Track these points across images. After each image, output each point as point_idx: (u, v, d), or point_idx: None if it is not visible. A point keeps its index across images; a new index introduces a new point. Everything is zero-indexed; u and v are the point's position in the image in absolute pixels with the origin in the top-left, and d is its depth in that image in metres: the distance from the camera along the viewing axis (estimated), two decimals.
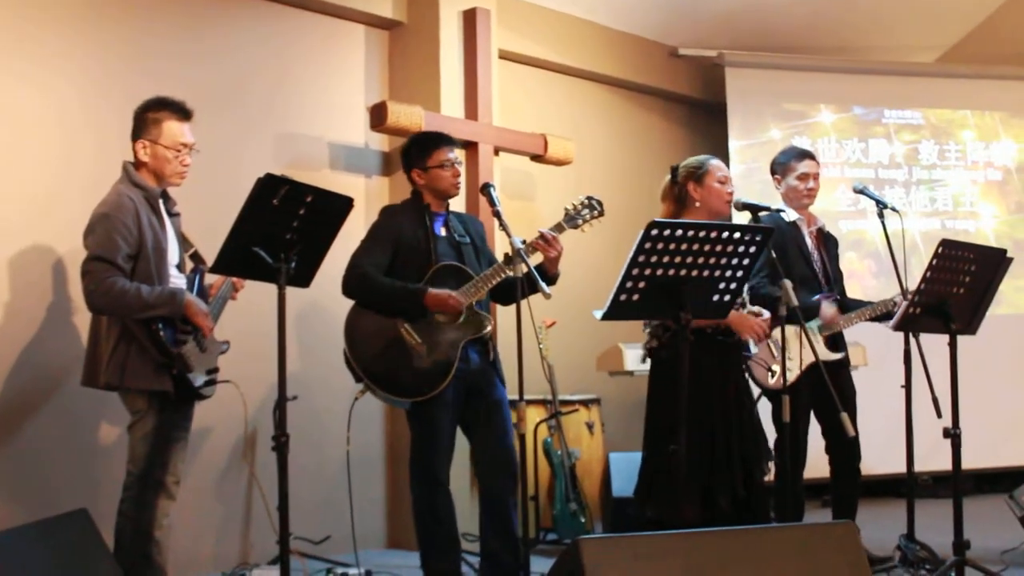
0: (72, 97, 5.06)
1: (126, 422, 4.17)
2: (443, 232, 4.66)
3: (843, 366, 5.19)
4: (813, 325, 5.07)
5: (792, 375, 4.88)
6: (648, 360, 4.36)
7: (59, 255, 4.88)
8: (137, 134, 4.18)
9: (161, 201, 4.20)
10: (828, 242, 5.38)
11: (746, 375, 4.55)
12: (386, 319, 4.49)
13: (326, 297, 4.98)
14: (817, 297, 5.09)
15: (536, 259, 4.48)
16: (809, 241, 5.26)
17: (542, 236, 4.44)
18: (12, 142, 4.86)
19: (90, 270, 3.98)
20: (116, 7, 5.27)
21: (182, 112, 4.22)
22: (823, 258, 5.28)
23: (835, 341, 5.18)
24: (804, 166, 5.25)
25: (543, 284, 4.19)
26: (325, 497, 5.67)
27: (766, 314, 4.43)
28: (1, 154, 4.82)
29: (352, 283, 4.53)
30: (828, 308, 5.09)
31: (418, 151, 4.66)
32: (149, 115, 4.18)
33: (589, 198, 4.67)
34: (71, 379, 4.42)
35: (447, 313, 4.49)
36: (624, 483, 5.86)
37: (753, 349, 4.97)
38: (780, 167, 5.33)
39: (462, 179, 4.75)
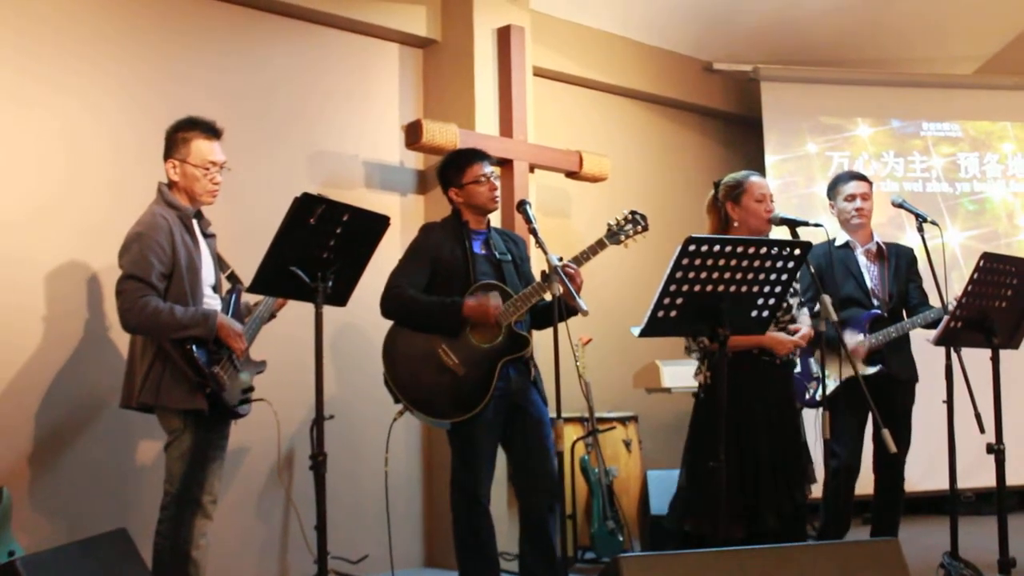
0: (122, 119, 5.12)
1: (163, 442, 4.19)
2: (482, 250, 4.63)
3: (900, 381, 5.15)
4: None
5: (828, 390, 4.84)
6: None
7: (100, 276, 4.92)
8: (168, 154, 4.22)
9: (196, 221, 4.23)
10: (891, 257, 5.33)
11: (791, 394, 4.52)
12: (424, 340, 4.46)
13: (361, 316, 4.99)
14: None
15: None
16: (863, 259, 5.27)
17: (564, 270, 4.24)
18: (62, 161, 4.92)
19: (124, 289, 3.99)
20: (158, 30, 5.32)
21: (211, 131, 4.24)
22: (880, 275, 5.26)
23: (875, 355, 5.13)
24: (851, 187, 5.32)
25: (580, 301, 4.16)
26: (362, 516, 5.67)
27: (805, 328, 4.41)
28: (44, 173, 4.88)
29: (390, 303, 4.51)
30: (851, 338, 5.05)
31: (453, 169, 4.66)
32: (178, 135, 4.21)
33: (633, 213, 4.63)
34: (108, 399, 4.44)
35: (486, 326, 4.47)
36: (662, 501, 5.82)
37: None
38: (831, 191, 5.43)
39: (499, 193, 4.72)
